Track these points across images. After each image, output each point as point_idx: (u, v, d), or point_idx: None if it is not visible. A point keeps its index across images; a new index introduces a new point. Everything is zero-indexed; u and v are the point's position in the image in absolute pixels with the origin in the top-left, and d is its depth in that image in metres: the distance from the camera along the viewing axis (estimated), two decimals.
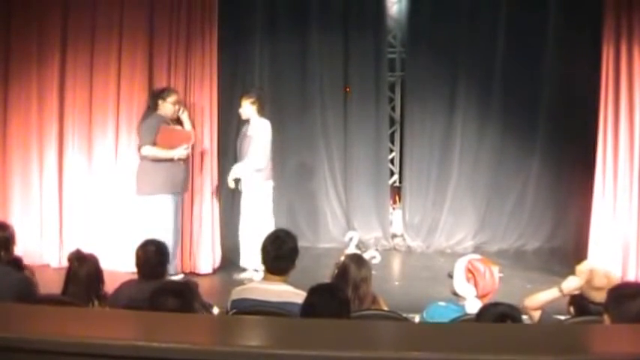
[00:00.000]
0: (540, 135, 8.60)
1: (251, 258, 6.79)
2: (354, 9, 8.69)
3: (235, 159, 7.09)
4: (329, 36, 8.70)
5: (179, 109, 6.77)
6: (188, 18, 7.10)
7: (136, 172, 6.74)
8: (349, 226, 8.61)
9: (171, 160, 6.60)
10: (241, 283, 4.62)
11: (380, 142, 8.85)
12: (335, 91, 8.78)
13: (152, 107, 6.76)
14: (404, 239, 8.73)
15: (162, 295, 3.22)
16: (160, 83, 7.02)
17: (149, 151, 6.60)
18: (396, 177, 9.21)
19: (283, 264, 4.10)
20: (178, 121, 6.82)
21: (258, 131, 6.81)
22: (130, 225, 6.84)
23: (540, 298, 4.03)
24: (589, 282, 3.92)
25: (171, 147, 6.62)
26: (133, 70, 7.12)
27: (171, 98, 6.73)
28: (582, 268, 4.06)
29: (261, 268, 6.44)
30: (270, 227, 6.73)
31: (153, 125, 6.63)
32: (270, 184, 6.93)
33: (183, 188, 6.79)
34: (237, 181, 6.87)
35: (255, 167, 6.75)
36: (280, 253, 4.09)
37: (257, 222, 6.77)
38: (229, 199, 7.09)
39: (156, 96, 6.78)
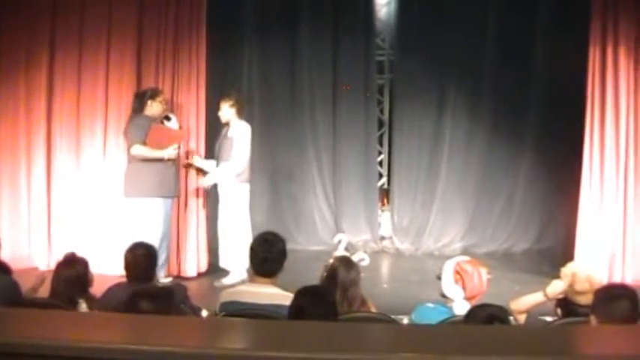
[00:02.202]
0: (529, 137, 8.66)
1: (231, 260, 6.78)
2: (343, 11, 8.71)
3: (216, 160, 7.05)
4: (318, 38, 8.72)
5: (165, 109, 6.75)
6: (176, 20, 7.09)
7: (124, 174, 6.69)
8: (338, 229, 8.62)
9: (160, 160, 6.56)
10: (222, 289, 4.60)
11: (368, 145, 8.88)
12: (324, 94, 8.78)
13: (138, 108, 6.69)
14: (392, 241, 8.76)
15: (136, 298, 3.19)
16: (148, 85, 6.99)
17: (139, 150, 6.53)
18: (384, 179, 9.23)
19: (272, 266, 4.09)
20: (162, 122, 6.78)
21: (239, 134, 6.79)
22: (119, 228, 6.81)
23: (525, 302, 4.06)
24: (571, 286, 3.95)
25: (161, 147, 6.56)
26: (121, 72, 7.11)
27: (160, 97, 6.70)
28: (566, 271, 4.08)
29: (244, 269, 6.50)
30: (247, 229, 6.74)
31: (142, 124, 6.57)
32: (247, 186, 6.91)
33: (173, 192, 6.74)
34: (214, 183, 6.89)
35: (236, 171, 6.74)
36: (269, 256, 4.08)
37: (235, 224, 6.77)
38: (215, 202, 7.08)
39: (143, 96, 6.72)
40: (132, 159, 6.62)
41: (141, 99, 6.71)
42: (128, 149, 6.66)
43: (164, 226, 6.60)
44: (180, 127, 6.89)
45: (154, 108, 6.65)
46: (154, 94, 6.71)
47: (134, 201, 6.60)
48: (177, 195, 6.85)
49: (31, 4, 7.16)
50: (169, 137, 6.66)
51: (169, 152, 6.58)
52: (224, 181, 6.81)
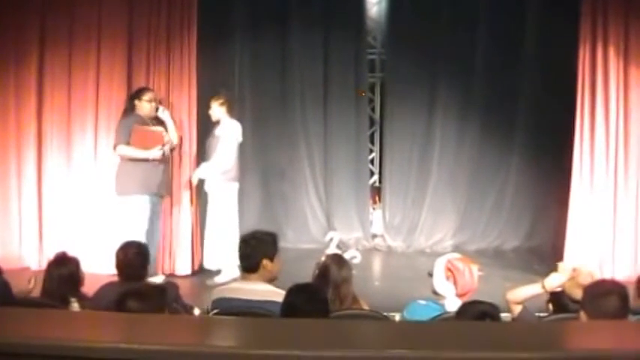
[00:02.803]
0: (519, 135, 8.69)
1: (222, 258, 6.77)
2: (334, 10, 8.71)
3: (205, 160, 7.01)
4: (309, 37, 8.72)
5: (157, 107, 6.71)
6: (167, 18, 7.07)
7: (115, 172, 6.70)
8: (330, 227, 8.63)
9: (146, 160, 6.56)
10: (215, 287, 4.61)
11: (360, 143, 8.89)
12: (315, 92, 8.79)
13: (129, 109, 6.72)
14: (384, 239, 8.77)
15: (125, 298, 3.19)
16: (139, 84, 6.98)
17: (123, 150, 6.55)
18: (375, 177, 9.24)
19: (253, 262, 4.08)
20: (158, 120, 6.75)
21: (227, 132, 6.80)
22: (110, 227, 6.80)
23: (522, 293, 4.06)
24: (574, 279, 3.97)
25: (146, 147, 6.55)
26: (111, 71, 7.09)
27: (147, 96, 6.68)
28: (565, 265, 4.10)
29: (236, 267, 6.49)
30: (234, 228, 6.74)
31: (128, 125, 6.59)
32: (236, 185, 6.91)
33: (162, 190, 6.71)
34: (201, 180, 6.87)
35: (222, 168, 6.74)
36: (257, 253, 4.08)
37: (223, 223, 6.76)
38: (207, 200, 7.07)
39: (132, 97, 6.75)
40: (121, 157, 6.63)
41: (130, 99, 6.74)
42: (113, 148, 6.67)
43: (149, 224, 6.56)
44: (174, 120, 6.85)
45: (142, 107, 6.64)
46: (140, 93, 6.72)
47: (121, 199, 6.60)
48: (165, 194, 6.80)
49: (20, 3, 7.12)
50: (152, 139, 6.62)
51: (154, 153, 6.56)
52: (211, 179, 6.81)
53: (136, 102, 6.66)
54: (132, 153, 6.54)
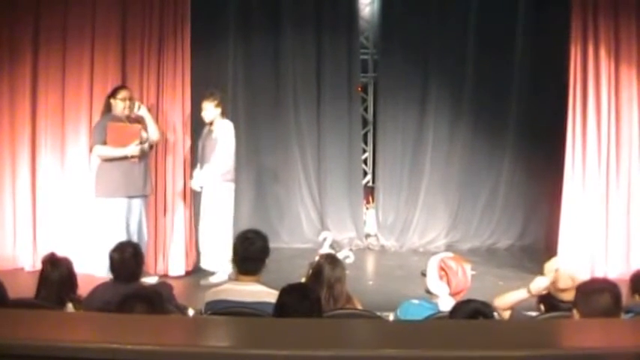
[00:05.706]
0: (511, 134, 8.72)
1: (216, 258, 6.77)
2: (326, 10, 8.72)
3: (199, 160, 6.99)
4: (302, 37, 8.72)
5: (132, 105, 6.56)
6: (160, 18, 7.06)
7: (95, 174, 6.62)
8: (323, 227, 8.63)
9: (124, 158, 6.47)
10: (208, 288, 4.61)
11: (353, 143, 8.89)
12: (308, 93, 8.79)
13: (106, 109, 6.63)
14: (377, 239, 8.78)
15: (131, 301, 3.19)
16: (133, 84, 6.95)
17: (100, 150, 6.48)
18: (369, 177, 9.26)
19: (254, 264, 4.10)
20: (136, 118, 6.61)
21: (223, 134, 6.77)
22: (103, 228, 6.77)
23: (509, 299, 4.09)
24: (554, 283, 3.99)
25: (122, 144, 6.46)
26: (105, 71, 7.07)
27: (120, 94, 6.56)
28: (550, 267, 4.12)
29: (227, 267, 6.49)
30: (229, 228, 6.73)
31: (102, 124, 6.52)
32: (232, 185, 6.90)
33: (145, 190, 6.62)
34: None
35: (221, 171, 6.73)
36: (250, 254, 4.09)
37: (218, 223, 6.75)
38: (201, 201, 7.06)
39: (108, 97, 6.65)
40: (100, 159, 6.56)
41: (106, 99, 6.65)
42: (90, 149, 6.63)
43: (131, 225, 6.49)
44: (158, 122, 6.79)
45: (116, 106, 6.54)
46: (114, 92, 6.62)
47: (100, 201, 6.54)
48: (147, 194, 6.70)
49: (14, 3, 7.10)
50: (128, 134, 6.51)
51: (132, 150, 6.47)
52: (210, 181, 6.79)
53: (111, 101, 6.57)
54: (109, 152, 6.45)
